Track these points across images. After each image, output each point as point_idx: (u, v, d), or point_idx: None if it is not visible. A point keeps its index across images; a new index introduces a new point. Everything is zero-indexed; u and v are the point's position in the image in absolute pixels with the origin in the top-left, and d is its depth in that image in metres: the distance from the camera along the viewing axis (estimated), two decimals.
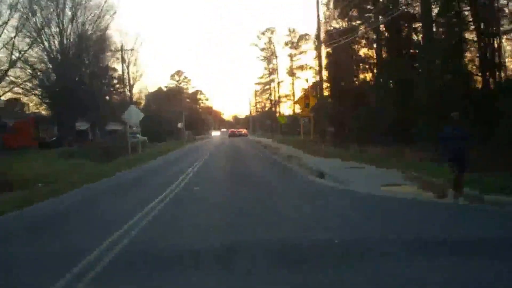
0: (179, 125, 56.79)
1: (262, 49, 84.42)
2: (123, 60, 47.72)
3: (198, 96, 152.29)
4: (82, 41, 43.98)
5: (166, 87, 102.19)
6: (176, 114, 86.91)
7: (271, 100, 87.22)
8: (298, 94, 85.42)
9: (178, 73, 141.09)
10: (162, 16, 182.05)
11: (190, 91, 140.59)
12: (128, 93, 65.01)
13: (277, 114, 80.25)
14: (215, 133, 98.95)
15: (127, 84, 67.12)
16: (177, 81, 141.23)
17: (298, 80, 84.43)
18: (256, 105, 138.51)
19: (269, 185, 14.42)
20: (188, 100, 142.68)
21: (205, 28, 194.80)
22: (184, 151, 37.86)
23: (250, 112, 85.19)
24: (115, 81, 63.29)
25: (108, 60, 57.17)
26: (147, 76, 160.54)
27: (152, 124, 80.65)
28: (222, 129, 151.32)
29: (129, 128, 33.37)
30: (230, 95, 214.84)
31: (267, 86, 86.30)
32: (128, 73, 67.72)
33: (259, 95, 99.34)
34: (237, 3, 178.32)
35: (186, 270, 5.56)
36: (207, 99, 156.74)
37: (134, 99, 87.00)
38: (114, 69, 62.32)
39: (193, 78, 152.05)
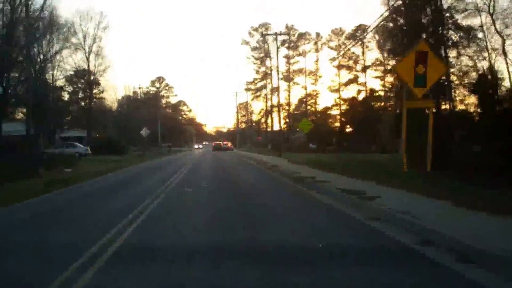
0: (143, 132, 44.28)
1: (254, 49, 72.80)
2: None
3: (181, 108, 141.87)
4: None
5: (140, 88, 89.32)
6: (153, 123, 74.59)
7: (264, 109, 75.02)
8: (295, 103, 74.15)
9: (159, 79, 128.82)
10: (145, 20, 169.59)
11: (172, 100, 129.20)
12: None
13: (264, 126, 68.67)
14: (197, 146, 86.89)
15: (89, 79, 54.70)
16: (158, 88, 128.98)
17: (296, 87, 72.89)
18: (241, 117, 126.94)
19: None
20: (169, 110, 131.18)
21: (191, 34, 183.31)
22: (133, 173, 23.96)
23: (238, 122, 72.14)
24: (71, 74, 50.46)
25: (61, 48, 44.52)
26: (121, 77, 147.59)
27: (118, 132, 67.96)
28: (204, 142, 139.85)
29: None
30: (214, 108, 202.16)
31: (258, 93, 74.41)
32: (88, 65, 55.32)
33: (242, 108, 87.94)
34: (226, 5, 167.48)
35: None
36: (189, 111, 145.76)
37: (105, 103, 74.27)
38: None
39: (175, 88, 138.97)
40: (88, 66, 55.28)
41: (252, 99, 71.76)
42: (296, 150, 59.70)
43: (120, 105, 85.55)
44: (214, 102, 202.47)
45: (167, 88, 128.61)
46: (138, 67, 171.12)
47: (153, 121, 76.29)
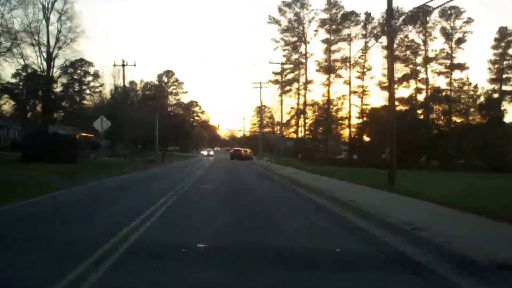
0: (97, 124, 27.60)
1: (285, 30, 56.30)
2: None
3: (193, 108, 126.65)
4: None
5: (142, 81, 73.26)
6: (152, 122, 58.91)
7: (295, 107, 58.26)
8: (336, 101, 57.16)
9: (168, 74, 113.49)
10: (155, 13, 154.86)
11: (182, 98, 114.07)
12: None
13: (294, 129, 52.33)
14: (206, 152, 70.88)
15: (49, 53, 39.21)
16: (166, 83, 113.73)
17: (338, 80, 56.26)
18: (258, 122, 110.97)
19: None
20: (179, 110, 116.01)
21: (204, 25, 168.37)
22: None
23: (261, 121, 55.14)
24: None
25: None
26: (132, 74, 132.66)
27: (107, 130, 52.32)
28: (216, 148, 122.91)
29: None
30: (228, 110, 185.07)
31: (288, 87, 57.67)
32: (47, 28, 39.81)
33: (258, 113, 71.51)
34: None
35: None
36: (202, 112, 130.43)
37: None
38: None
39: (186, 84, 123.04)
40: (48, 28, 39.15)
41: (280, 95, 55.98)
42: (331, 163, 43.47)
43: (112, 97, 70.33)
44: (229, 102, 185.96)
45: (176, 83, 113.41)
46: (149, 63, 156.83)
47: (151, 119, 60.81)
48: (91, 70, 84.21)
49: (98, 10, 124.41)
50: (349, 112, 55.69)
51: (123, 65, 37.37)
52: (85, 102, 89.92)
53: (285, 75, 56.67)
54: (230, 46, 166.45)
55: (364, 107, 56.06)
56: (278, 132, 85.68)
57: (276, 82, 56.09)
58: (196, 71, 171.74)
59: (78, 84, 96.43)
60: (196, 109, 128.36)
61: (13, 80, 67.52)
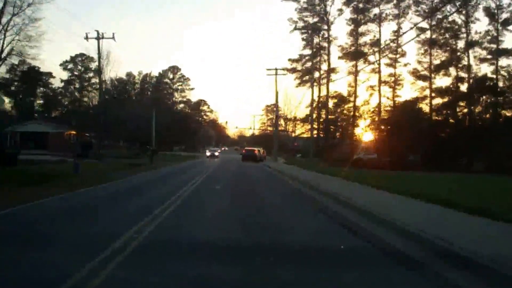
0: None
1: (304, 9, 48.30)
2: None
3: (201, 107, 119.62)
4: None
5: (140, 73, 65.73)
6: (157, 119, 51.58)
7: (315, 100, 50.20)
8: (362, 93, 48.99)
9: (173, 69, 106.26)
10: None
11: (189, 95, 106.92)
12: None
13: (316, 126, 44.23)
14: (211, 152, 58.69)
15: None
16: (171, 79, 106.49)
17: (365, 68, 48.39)
18: (267, 121, 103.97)
19: None
20: (188, 109, 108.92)
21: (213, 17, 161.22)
22: None
23: (276, 116, 46.65)
24: None
25: None
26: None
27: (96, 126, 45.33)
28: (224, 147, 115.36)
29: None
30: (236, 108, 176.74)
31: (306, 77, 49.64)
32: None
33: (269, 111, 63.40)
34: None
35: None
36: (211, 111, 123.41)
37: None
38: None
39: (192, 81, 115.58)
40: None
41: (297, 86, 48.13)
42: (356, 165, 35.52)
43: (106, 90, 63.27)
44: (238, 101, 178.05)
45: (182, 80, 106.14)
46: (154, 58, 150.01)
47: (157, 117, 53.52)
48: (93, 65, 78.09)
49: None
50: (379, 105, 47.72)
51: (98, 38, 29.63)
52: (86, 99, 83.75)
53: (303, 63, 48.90)
54: (240, 40, 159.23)
55: (396, 98, 48.02)
56: (291, 130, 77.98)
57: (293, 70, 48.34)
58: (204, 68, 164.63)
59: (79, 81, 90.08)
60: (205, 108, 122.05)
61: None
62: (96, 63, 71.54)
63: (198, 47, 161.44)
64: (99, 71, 33.72)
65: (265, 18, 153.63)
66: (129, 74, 65.64)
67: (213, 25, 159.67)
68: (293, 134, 77.20)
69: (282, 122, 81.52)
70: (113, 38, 29.87)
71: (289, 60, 48.16)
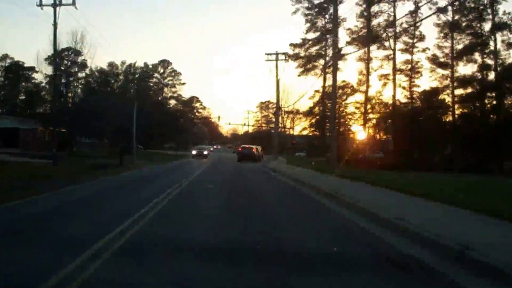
0: None
1: None
2: None
3: (194, 104, 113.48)
4: None
5: (124, 63, 58.57)
6: (141, 114, 45.38)
7: (320, 92, 43.93)
8: (375, 81, 42.48)
9: (164, 63, 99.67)
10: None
11: (180, 90, 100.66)
12: None
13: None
14: (196, 151, 47.64)
15: None
16: (161, 73, 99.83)
17: (378, 54, 42.51)
18: (262, 118, 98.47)
19: None
20: (179, 106, 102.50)
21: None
22: None
23: (277, 106, 39.67)
24: None
25: None
26: None
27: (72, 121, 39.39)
28: (216, 146, 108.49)
29: None
30: (230, 105, 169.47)
31: (310, 64, 43.28)
32: None
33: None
34: None
35: None
36: (203, 108, 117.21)
37: None
38: None
39: (184, 78, 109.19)
40: None
41: (299, 75, 41.93)
42: (367, 165, 29.81)
43: (86, 82, 57.39)
44: (231, 97, 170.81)
45: (173, 74, 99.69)
46: (143, 52, 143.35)
47: (143, 111, 47.40)
48: (79, 59, 71.95)
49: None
50: (393, 96, 41.53)
51: (54, 5, 23.02)
52: (70, 94, 78.07)
53: (307, 48, 42.60)
54: (234, 32, 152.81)
55: (414, 88, 41.84)
56: (290, 127, 71.71)
57: (295, 57, 41.97)
58: (195, 63, 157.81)
59: (65, 76, 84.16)
60: (197, 105, 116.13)
61: None
62: (83, 57, 64.84)
63: (189, 40, 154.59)
64: (54, 49, 27.24)
65: (261, 3, 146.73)
66: (111, 64, 59.10)
67: (204, 15, 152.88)
68: (292, 131, 71.08)
69: (279, 118, 75.49)
70: (73, 4, 23.52)
71: (291, 45, 41.76)
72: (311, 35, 43.15)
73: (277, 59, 34.77)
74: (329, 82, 43.39)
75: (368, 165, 32.25)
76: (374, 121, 42.69)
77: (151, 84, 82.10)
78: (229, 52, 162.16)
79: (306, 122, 55.68)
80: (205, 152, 45.61)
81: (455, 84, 42.07)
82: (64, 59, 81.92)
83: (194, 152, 46.51)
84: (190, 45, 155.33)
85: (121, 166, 24.02)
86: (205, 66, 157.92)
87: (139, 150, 63.24)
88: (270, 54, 34.91)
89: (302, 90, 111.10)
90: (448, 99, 41.98)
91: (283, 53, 34.91)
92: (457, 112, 42.33)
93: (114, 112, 44.31)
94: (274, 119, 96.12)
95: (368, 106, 40.23)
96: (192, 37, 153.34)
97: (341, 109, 45.96)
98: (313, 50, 43.64)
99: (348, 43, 43.07)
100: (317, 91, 43.26)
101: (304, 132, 56.95)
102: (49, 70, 71.76)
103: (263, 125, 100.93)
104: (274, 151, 37.89)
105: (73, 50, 70.50)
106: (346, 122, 46.93)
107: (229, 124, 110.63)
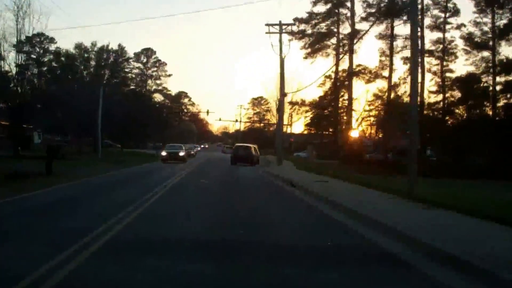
0: None
1: None
2: None
3: (182, 100, 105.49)
4: None
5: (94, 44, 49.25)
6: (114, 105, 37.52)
7: (332, 78, 35.65)
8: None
9: (147, 52, 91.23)
10: None
11: (165, 82, 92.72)
12: None
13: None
14: (165, 153, 33.27)
15: None
16: (144, 63, 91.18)
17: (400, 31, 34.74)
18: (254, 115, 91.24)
19: None
20: (167, 102, 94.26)
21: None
22: None
23: (281, 92, 30.89)
24: None
25: None
26: None
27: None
28: (203, 145, 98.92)
29: None
30: (220, 101, 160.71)
31: (319, 45, 35.07)
32: None
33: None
34: None
35: None
36: (192, 104, 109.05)
37: None
38: None
39: (169, 66, 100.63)
40: None
41: (305, 57, 33.95)
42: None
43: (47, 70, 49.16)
44: (221, 93, 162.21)
45: (157, 65, 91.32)
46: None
47: (113, 103, 39.33)
48: (52, 47, 63.02)
49: None
50: (422, 84, 33.44)
51: None
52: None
53: (314, 24, 34.42)
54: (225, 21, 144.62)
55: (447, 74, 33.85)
56: (288, 123, 63.41)
57: (301, 34, 33.57)
58: (183, 56, 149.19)
59: (37, 65, 75.43)
60: (185, 100, 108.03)
61: None
62: (57, 44, 55.94)
63: (175, 31, 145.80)
64: None
65: None
66: (78, 46, 50.40)
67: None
68: (290, 128, 63.02)
69: (274, 113, 67.52)
70: None
71: (295, 20, 33.30)
72: (320, 8, 34.94)
73: (281, 31, 26.26)
74: (343, 66, 35.41)
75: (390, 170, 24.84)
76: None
77: (130, 73, 73.28)
78: (220, 40, 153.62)
79: (307, 118, 47.52)
80: (181, 154, 32.77)
81: (497, 69, 34.23)
82: (35, 46, 73.21)
83: (164, 153, 33.24)
84: (176, 35, 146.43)
85: (50, 175, 15.53)
86: (193, 58, 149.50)
87: (116, 149, 54.99)
88: (272, 25, 26.53)
89: (306, 80, 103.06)
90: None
91: (289, 24, 26.43)
92: (498, 104, 34.46)
93: (77, 102, 36.10)
94: (267, 116, 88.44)
95: (392, 95, 32.28)
96: (177, 26, 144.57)
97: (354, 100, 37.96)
98: (323, 26, 35.38)
99: (363, 18, 34.95)
100: (328, 76, 34.88)
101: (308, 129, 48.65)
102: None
103: (256, 124, 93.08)
104: (278, 153, 29.38)
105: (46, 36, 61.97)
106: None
107: (219, 120, 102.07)
